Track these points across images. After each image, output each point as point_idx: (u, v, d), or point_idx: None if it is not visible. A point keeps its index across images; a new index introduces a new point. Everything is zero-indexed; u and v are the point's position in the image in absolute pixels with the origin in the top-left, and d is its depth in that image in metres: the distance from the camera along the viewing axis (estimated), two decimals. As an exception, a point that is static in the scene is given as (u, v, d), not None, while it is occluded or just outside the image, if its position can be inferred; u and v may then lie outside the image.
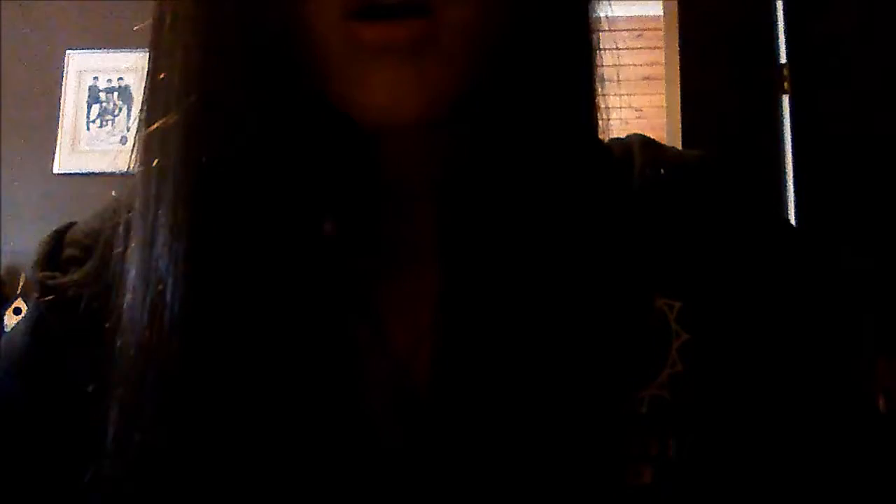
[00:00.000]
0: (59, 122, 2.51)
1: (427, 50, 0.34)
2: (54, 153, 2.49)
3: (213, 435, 0.35)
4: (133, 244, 0.37)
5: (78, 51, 2.52)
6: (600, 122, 0.40)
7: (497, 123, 0.37)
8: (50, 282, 0.41)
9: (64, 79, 2.53)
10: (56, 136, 2.51)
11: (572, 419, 0.36)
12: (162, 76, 0.36)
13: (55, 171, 2.47)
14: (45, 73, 2.53)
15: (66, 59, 2.54)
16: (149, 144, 0.37)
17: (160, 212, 0.36)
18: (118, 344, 0.37)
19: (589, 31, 0.39)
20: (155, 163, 0.36)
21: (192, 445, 0.35)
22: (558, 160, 0.38)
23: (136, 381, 0.36)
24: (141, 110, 0.37)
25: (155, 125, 0.36)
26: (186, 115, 0.35)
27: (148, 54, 0.37)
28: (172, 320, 0.35)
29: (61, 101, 2.52)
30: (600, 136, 0.41)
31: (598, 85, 0.39)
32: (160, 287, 0.35)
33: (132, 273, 0.37)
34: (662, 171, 0.43)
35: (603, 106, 0.40)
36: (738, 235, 0.42)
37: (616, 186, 0.42)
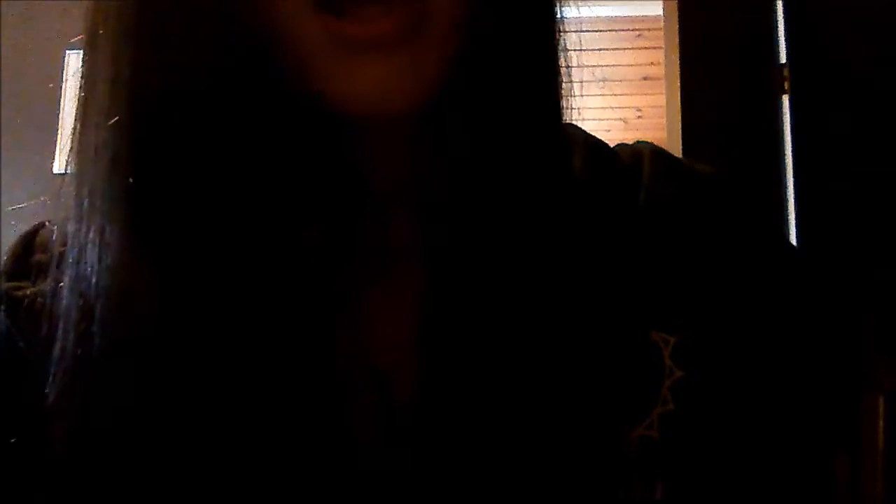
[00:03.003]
0: (59, 122, 2.51)
1: (418, 36, 0.32)
2: (54, 153, 2.49)
3: (187, 455, 0.33)
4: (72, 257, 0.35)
5: (78, 51, 2.51)
6: (565, 113, 0.38)
7: (473, 115, 0.36)
8: (17, 293, 0.39)
9: (64, 79, 2.53)
10: (56, 136, 2.50)
11: (558, 452, 0.34)
12: (103, 83, 0.34)
13: (55, 171, 2.48)
14: (45, 73, 2.53)
15: (66, 59, 2.54)
16: (81, 158, 0.35)
17: (96, 226, 0.34)
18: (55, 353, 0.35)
19: (553, 18, 0.37)
20: (88, 178, 0.35)
21: (164, 466, 0.33)
22: (530, 156, 0.36)
23: (60, 392, 0.34)
24: (76, 115, 0.35)
25: (88, 139, 0.35)
26: (123, 124, 0.33)
27: (84, 54, 0.35)
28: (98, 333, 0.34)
29: (61, 101, 2.52)
30: (601, 138, 0.39)
31: (563, 76, 0.38)
32: (85, 306, 0.34)
33: (66, 295, 0.35)
34: (671, 188, 0.41)
35: (568, 105, 0.38)
36: (741, 269, 0.40)
37: (620, 198, 0.40)
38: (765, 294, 0.40)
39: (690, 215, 0.40)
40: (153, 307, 0.34)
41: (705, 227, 0.40)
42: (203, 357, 0.34)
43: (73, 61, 2.54)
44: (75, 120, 0.36)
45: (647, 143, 0.44)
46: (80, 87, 0.35)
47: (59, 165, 2.48)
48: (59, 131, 2.51)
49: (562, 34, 0.38)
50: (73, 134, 0.36)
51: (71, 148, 0.36)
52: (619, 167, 0.42)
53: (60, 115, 2.52)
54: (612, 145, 0.44)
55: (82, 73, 0.35)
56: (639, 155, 0.42)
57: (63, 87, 2.53)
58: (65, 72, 2.54)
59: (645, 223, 0.39)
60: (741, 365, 0.38)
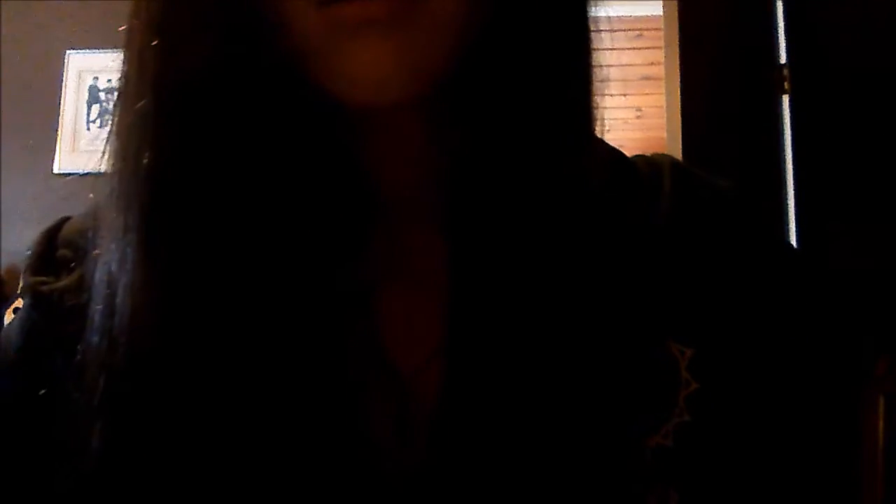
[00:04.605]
0: (59, 122, 2.51)
1: (412, 20, 0.32)
2: (54, 153, 2.49)
3: (178, 454, 0.33)
4: (100, 248, 0.36)
5: (78, 51, 2.52)
6: (597, 118, 0.38)
7: (488, 111, 0.35)
8: (43, 287, 0.40)
9: (64, 79, 2.53)
10: (56, 136, 2.50)
11: (577, 460, 0.34)
12: (124, 76, 0.35)
13: (55, 171, 2.47)
14: (45, 73, 2.53)
15: (66, 59, 2.53)
16: (112, 144, 0.36)
17: (117, 216, 0.35)
18: (82, 348, 0.35)
19: (583, 13, 0.37)
20: (114, 169, 0.35)
21: (177, 464, 0.33)
22: (556, 159, 0.36)
23: (89, 388, 0.34)
24: (112, 113, 0.36)
25: (121, 127, 0.35)
26: (143, 116, 0.34)
27: (122, 56, 0.36)
28: (120, 329, 0.34)
29: (61, 101, 2.52)
30: (601, 136, 0.39)
31: (594, 77, 0.37)
32: (111, 292, 0.34)
33: (97, 277, 0.36)
34: (691, 202, 0.41)
35: (600, 102, 0.37)
36: (758, 284, 0.40)
37: (641, 211, 0.40)
38: (780, 309, 0.41)
39: (709, 230, 0.41)
40: (170, 311, 0.34)
41: (723, 241, 0.41)
42: (222, 363, 0.34)
43: (74, 61, 2.54)
44: (112, 119, 0.36)
45: (665, 155, 0.44)
46: (119, 87, 0.36)
47: (58, 165, 2.48)
48: (59, 131, 2.51)
49: (591, 23, 0.37)
50: (111, 132, 0.36)
51: (107, 146, 0.36)
52: (638, 179, 0.42)
53: (60, 115, 2.52)
54: (610, 146, 0.44)
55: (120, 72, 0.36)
56: (658, 167, 0.43)
57: (63, 87, 2.53)
58: (65, 72, 2.54)
59: (665, 236, 0.40)
60: (756, 378, 0.39)
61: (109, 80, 2.51)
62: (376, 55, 0.32)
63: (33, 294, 0.40)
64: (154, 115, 0.34)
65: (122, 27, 0.36)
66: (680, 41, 1.92)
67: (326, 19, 0.32)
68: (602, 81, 0.37)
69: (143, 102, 0.34)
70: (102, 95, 2.51)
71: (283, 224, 0.35)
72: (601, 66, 0.38)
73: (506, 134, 0.36)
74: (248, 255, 0.34)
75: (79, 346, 0.36)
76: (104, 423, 0.34)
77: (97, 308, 0.35)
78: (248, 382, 0.34)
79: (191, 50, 0.33)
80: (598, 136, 0.39)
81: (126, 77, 0.35)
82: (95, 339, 0.35)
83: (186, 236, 0.34)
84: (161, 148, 0.34)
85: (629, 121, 3.73)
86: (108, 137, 0.36)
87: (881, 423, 1.48)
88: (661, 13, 2.05)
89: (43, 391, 0.38)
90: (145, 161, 0.34)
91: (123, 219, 0.34)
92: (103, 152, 0.36)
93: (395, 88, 0.33)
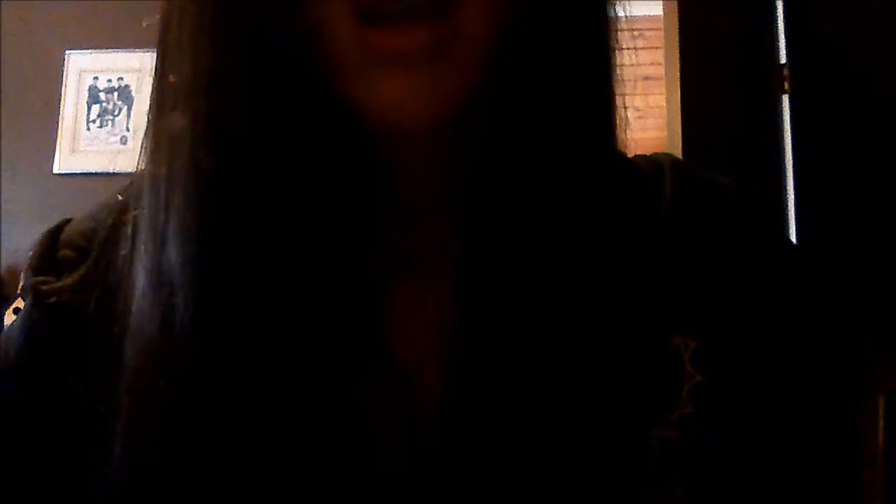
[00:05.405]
0: (59, 122, 2.51)
1: (440, 57, 0.33)
2: (54, 153, 2.49)
3: (220, 447, 0.34)
4: (141, 248, 0.36)
5: (78, 51, 2.52)
6: (618, 128, 0.39)
7: (510, 126, 0.36)
8: (44, 287, 0.40)
9: (64, 79, 2.53)
10: (56, 136, 2.51)
11: (582, 454, 0.35)
12: (171, 78, 0.35)
13: (55, 171, 2.48)
14: (45, 73, 2.53)
15: (66, 59, 2.54)
16: (156, 148, 0.36)
17: (170, 217, 0.35)
18: (126, 350, 0.36)
19: (606, 30, 0.38)
20: (163, 167, 0.35)
21: (200, 457, 0.34)
22: (576, 168, 0.37)
23: (147, 389, 0.35)
24: (149, 111, 0.37)
25: (163, 128, 0.36)
26: (195, 119, 0.34)
27: (156, 53, 0.36)
28: (183, 327, 0.34)
29: (61, 101, 2.52)
30: (618, 141, 0.39)
31: (615, 88, 0.38)
32: (170, 293, 0.35)
33: (141, 278, 0.36)
34: (693, 199, 0.42)
35: (621, 111, 0.38)
36: (760, 278, 0.41)
37: (643, 209, 0.41)
38: (782, 302, 0.41)
39: (711, 226, 0.42)
40: (227, 307, 0.35)
41: (725, 237, 0.42)
42: (231, 357, 0.34)
43: (73, 61, 2.54)
44: (149, 115, 0.37)
45: (666, 154, 0.45)
46: (153, 84, 0.37)
47: (58, 165, 2.49)
48: (59, 131, 2.51)
49: (614, 62, 0.38)
50: (147, 128, 0.37)
51: (144, 142, 0.37)
52: (640, 178, 0.43)
53: (60, 115, 2.52)
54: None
55: (155, 69, 0.37)
56: (659, 166, 0.44)
57: (63, 87, 2.53)
58: (65, 72, 2.54)
59: (668, 233, 0.40)
60: (758, 370, 0.39)
61: (109, 80, 2.51)
62: (400, 88, 0.33)
63: (35, 294, 0.41)
64: (208, 114, 0.34)
65: (152, 24, 0.37)
66: (680, 41, 1.92)
67: (362, 42, 0.33)
68: (622, 86, 0.38)
69: (197, 101, 0.34)
70: (102, 95, 2.52)
71: (304, 217, 0.35)
72: (621, 71, 0.38)
73: (523, 142, 0.36)
74: (277, 251, 0.35)
75: (126, 349, 0.36)
76: (164, 417, 0.34)
77: (155, 305, 0.35)
78: (262, 376, 0.35)
79: (244, 61, 0.34)
80: (615, 136, 0.39)
81: (163, 75, 0.36)
82: (154, 334, 0.35)
83: (240, 233, 0.35)
84: (217, 146, 0.34)
85: (630, 121, 3.71)
86: (146, 134, 0.37)
87: (881, 423, 1.48)
88: (661, 13, 2.05)
89: (46, 392, 0.38)
90: (201, 159, 0.34)
91: (181, 216, 0.35)
92: (141, 149, 0.37)
93: (424, 116, 0.34)
